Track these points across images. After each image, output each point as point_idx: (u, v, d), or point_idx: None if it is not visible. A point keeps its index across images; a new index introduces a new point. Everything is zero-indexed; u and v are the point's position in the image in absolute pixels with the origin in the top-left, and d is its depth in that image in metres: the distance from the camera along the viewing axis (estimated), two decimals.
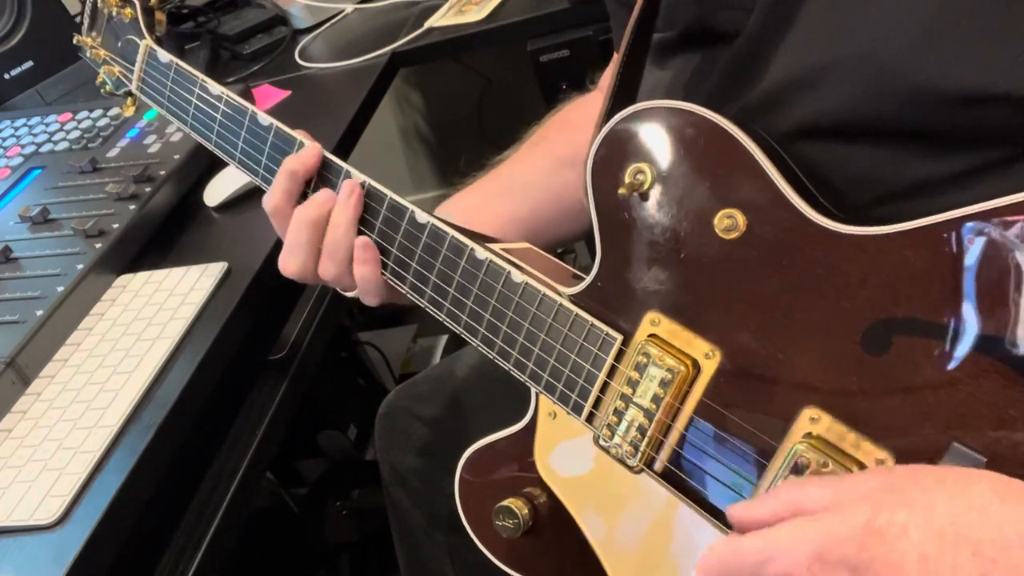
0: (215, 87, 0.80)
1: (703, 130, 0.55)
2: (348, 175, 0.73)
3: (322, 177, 0.74)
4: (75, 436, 0.78)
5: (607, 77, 0.90)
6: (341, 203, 0.72)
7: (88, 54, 0.94)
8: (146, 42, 0.86)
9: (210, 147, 0.82)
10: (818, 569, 0.43)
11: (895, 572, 0.41)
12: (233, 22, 1.59)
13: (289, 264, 0.74)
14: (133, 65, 0.88)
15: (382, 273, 0.73)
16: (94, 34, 0.92)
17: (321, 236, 0.73)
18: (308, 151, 0.74)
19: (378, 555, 1.50)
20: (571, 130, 0.89)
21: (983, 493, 0.41)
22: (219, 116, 0.80)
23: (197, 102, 0.82)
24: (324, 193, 0.73)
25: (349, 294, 0.78)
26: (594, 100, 0.92)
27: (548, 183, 0.87)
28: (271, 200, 0.75)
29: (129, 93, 0.91)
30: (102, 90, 0.94)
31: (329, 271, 0.74)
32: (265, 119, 0.77)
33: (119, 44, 0.89)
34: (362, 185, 0.72)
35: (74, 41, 0.94)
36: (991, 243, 0.46)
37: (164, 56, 0.84)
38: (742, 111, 0.58)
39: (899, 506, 0.42)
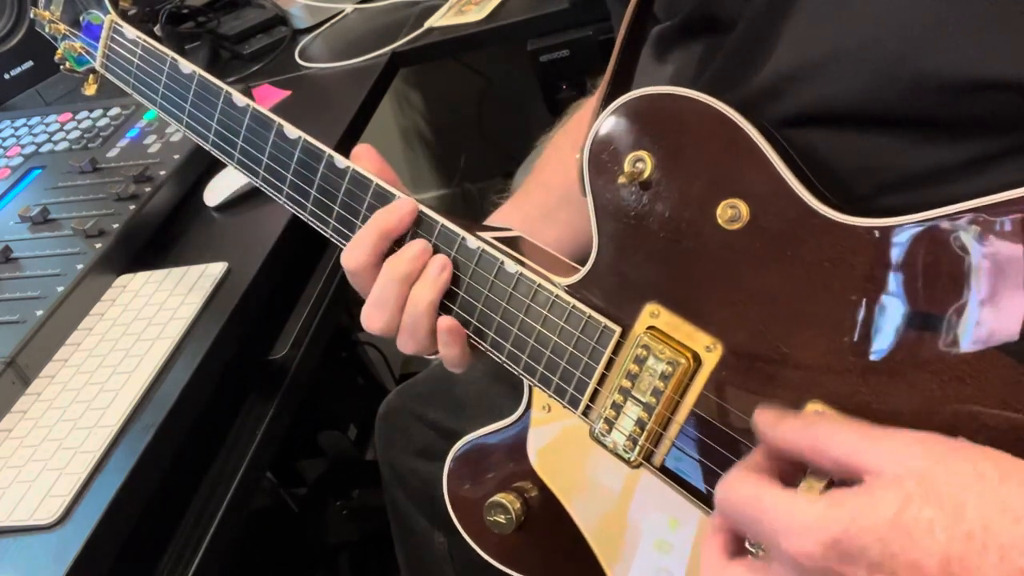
0: (186, 65, 0.76)
1: (705, 117, 0.54)
2: (445, 232, 0.66)
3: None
4: (75, 436, 0.77)
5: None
6: (430, 280, 0.66)
7: (46, 28, 0.89)
8: (110, 17, 0.83)
9: (182, 128, 0.79)
10: (834, 556, 0.42)
11: (914, 570, 0.40)
12: (233, 22, 1.59)
13: (375, 321, 0.68)
14: (96, 41, 0.84)
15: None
16: (53, 7, 0.88)
17: (407, 294, 0.67)
18: (404, 207, 0.67)
19: (378, 555, 1.50)
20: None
21: (1015, 493, 0.40)
22: (191, 96, 0.76)
23: (167, 80, 0.78)
24: (419, 245, 0.66)
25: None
26: None
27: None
28: (357, 258, 0.67)
29: (92, 71, 0.87)
30: (62, 67, 0.90)
31: (409, 348, 0.69)
32: (240, 100, 0.73)
33: (81, 18, 0.86)
34: (346, 170, 0.68)
35: (30, 15, 0.90)
36: (997, 236, 0.46)
37: (130, 32, 0.81)
38: (743, 100, 0.57)
39: (928, 501, 0.40)
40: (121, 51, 0.82)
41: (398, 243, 0.68)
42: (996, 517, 0.39)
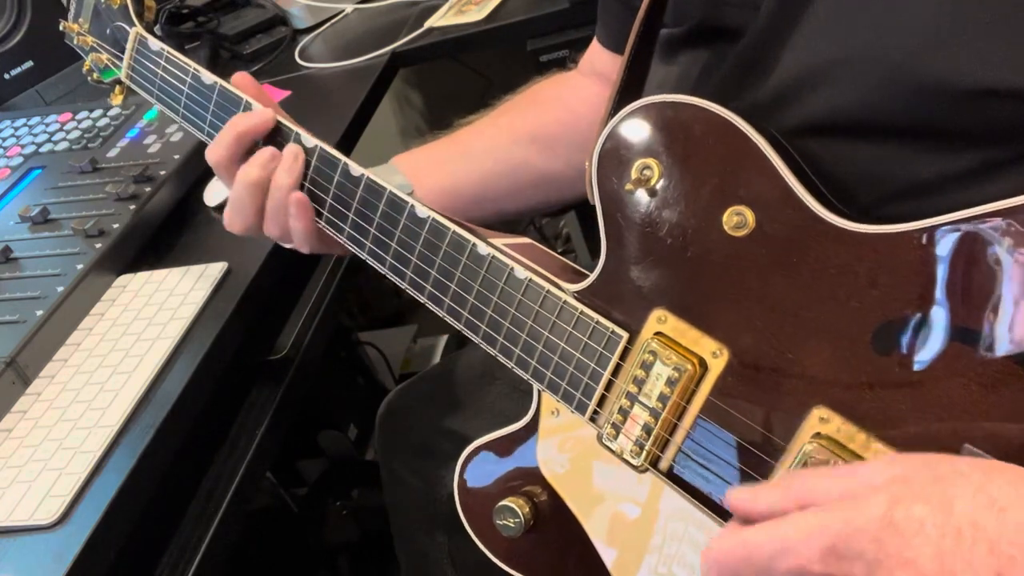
0: (208, 76, 0.79)
1: (712, 125, 0.55)
2: (298, 139, 0.73)
3: (272, 138, 0.75)
4: (75, 436, 0.77)
5: (587, 59, 0.90)
6: (285, 167, 0.73)
7: (75, 41, 0.92)
8: (136, 29, 0.84)
9: (203, 137, 0.81)
10: (832, 562, 0.42)
11: (909, 568, 0.40)
12: (233, 22, 1.59)
13: (235, 223, 0.77)
14: (122, 53, 0.86)
15: (383, 271, 0.73)
16: (81, 20, 0.90)
17: (264, 197, 0.74)
18: (261, 115, 0.74)
19: (378, 555, 1.50)
20: (539, 106, 0.90)
21: (1003, 488, 0.41)
22: (212, 106, 0.79)
23: (189, 91, 0.80)
24: (268, 152, 0.74)
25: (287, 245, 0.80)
26: (567, 79, 0.93)
27: (505, 156, 0.88)
28: (213, 154, 0.75)
29: (118, 82, 0.89)
30: (89, 78, 0.92)
31: (273, 232, 0.76)
32: (259, 108, 0.76)
33: (107, 31, 0.88)
34: (360, 178, 0.71)
35: (60, 27, 0.92)
36: (999, 242, 0.46)
37: (155, 44, 0.83)
38: (750, 108, 0.57)
39: (916, 500, 0.41)
40: (146, 62, 0.84)
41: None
42: (983, 511, 0.40)
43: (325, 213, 0.75)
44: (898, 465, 0.44)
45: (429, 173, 0.85)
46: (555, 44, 1.41)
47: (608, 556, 0.66)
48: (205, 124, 0.80)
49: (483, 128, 0.91)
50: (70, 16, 0.92)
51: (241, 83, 0.79)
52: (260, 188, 0.74)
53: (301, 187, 0.74)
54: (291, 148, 0.73)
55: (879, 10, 0.54)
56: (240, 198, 0.75)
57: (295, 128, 0.74)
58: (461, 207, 0.84)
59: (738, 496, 0.48)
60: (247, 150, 0.75)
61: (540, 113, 0.89)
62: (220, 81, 0.79)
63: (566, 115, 0.89)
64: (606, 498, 0.65)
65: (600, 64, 0.88)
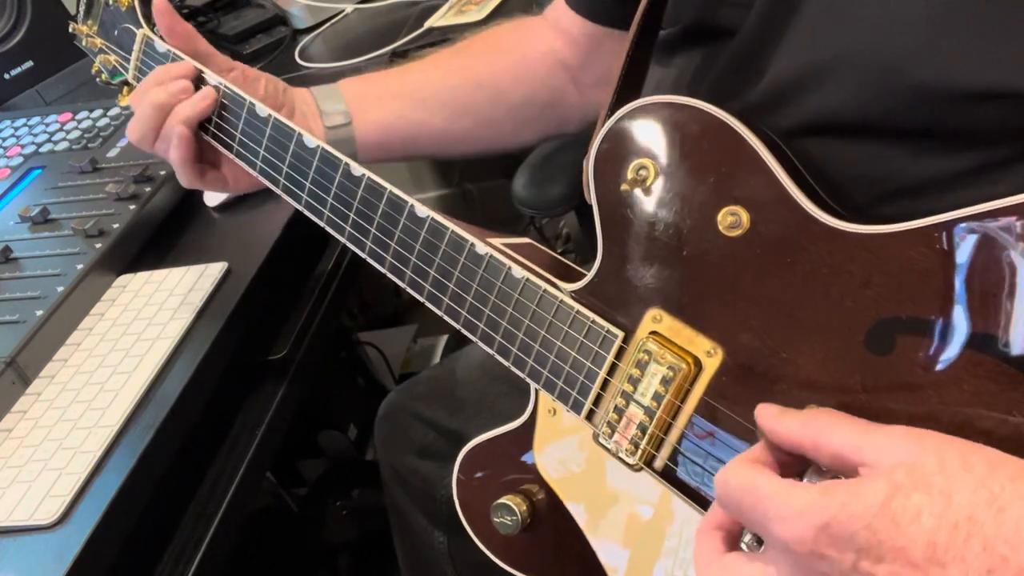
0: (213, 77, 0.80)
1: (707, 126, 0.55)
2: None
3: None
4: (75, 436, 0.78)
5: (553, 14, 0.90)
6: (195, 100, 0.79)
7: (84, 43, 0.93)
8: (143, 31, 0.85)
9: (207, 138, 0.82)
10: (824, 540, 0.42)
11: (900, 555, 0.41)
12: (233, 22, 1.59)
13: (133, 132, 0.81)
14: (130, 55, 0.87)
15: (382, 271, 0.73)
16: (90, 22, 0.91)
17: (163, 121, 0.79)
18: (181, 68, 0.80)
19: (378, 555, 1.50)
20: (495, 53, 0.91)
21: (1004, 485, 0.41)
22: (217, 107, 0.80)
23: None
24: (181, 83, 0.79)
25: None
26: (530, 25, 0.93)
27: (452, 99, 0.89)
28: (133, 98, 0.82)
29: (125, 83, 0.90)
30: (98, 79, 0.93)
31: (160, 150, 0.82)
32: (263, 110, 0.76)
33: (115, 33, 0.88)
34: (361, 178, 0.71)
35: (69, 29, 0.93)
36: (995, 243, 0.46)
37: (161, 46, 0.84)
38: (745, 108, 0.58)
39: (916, 488, 0.41)
40: (153, 64, 0.84)
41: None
42: (982, 507, 0.40)
43: (235, 147, 0.80)
44: (912, 444, 0.44)
45: (370, 106, 0.87)
46: None
47: (603, 554, 0.66)
48: (210, 125, 0.81)
49: (436, 65, 0.91)
50: (79, 18, 0.93)
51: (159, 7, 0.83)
52: (162, 112, 0.79)
53: (208, 124, 0.80)
54: (205, 89, 0.79)
55: (872, 10, 0.54)
56: (144, 113, 0.80)
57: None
58: (398, 145, 0.88)
59: (765, 412, 0.50)
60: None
61: (494, 59, 0.89)
62: (224, 81, 0.79)
63: (521, 70, 0.89)
64: (602, 497, 0.65)
65: (566, 22, 0.88)
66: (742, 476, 0.48)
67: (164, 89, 0.79)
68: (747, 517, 0.47)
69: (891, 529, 0.41)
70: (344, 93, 0.87)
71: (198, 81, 0.80)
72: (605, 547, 0.66)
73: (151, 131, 0.80)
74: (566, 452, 0.67)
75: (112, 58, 0.90)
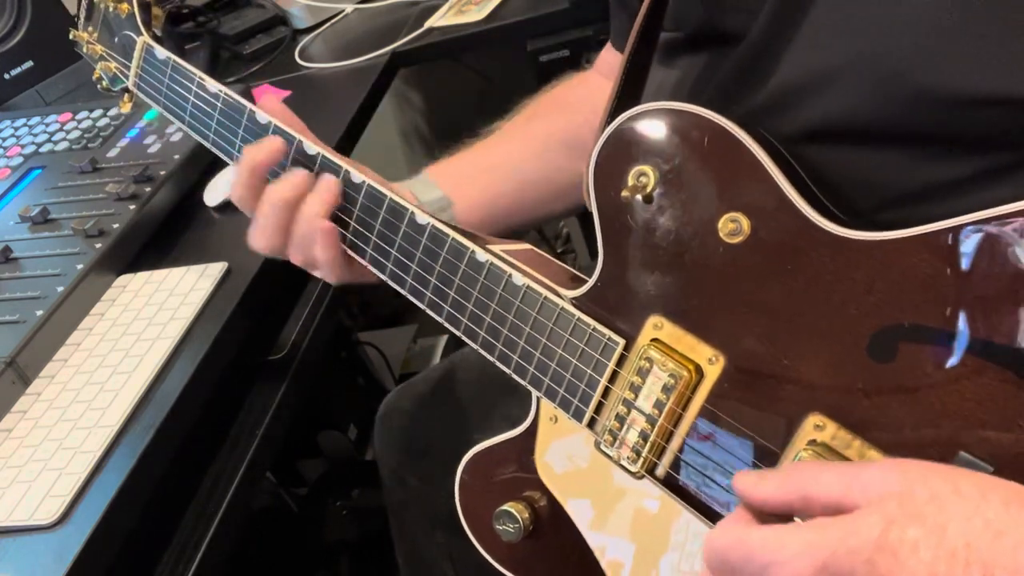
0: (213, 84, 0.80)
1: (707, 132, 0.55)
2: (330, 165, 0.71)
3: (298, 160, 0.74)
4: (75, 436, 0.77)
5: (603, 60, 0.90)
6: (317, 193, 0.72)
7: (84, 49, 0.93)
8: (143, 38, 0.85)
9: (208, 145, 0.82)
10: None
11: None
12: (233, 22, 1.59)
13: (258, 242, 0.75)
14: (130, 61, 0.87)
15: (383, 279, 0.73)
16: (91, 29, 0.91)
17: (291, 217, 0.72)
18: (269, 145, 0.73)
19: (378, 555, 1.50)
20: (566, 111, 0.90)
21: (998, 511, 0.40)
22: (216, 114, 0.79)
23: (195, 99, 0.81)
24: (300, 175, 0.72)
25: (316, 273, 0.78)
26: (588, 80, 0.93)
27: (539, 164, 0.88)
28: (234, 193, 0.74)
29: (126, 90, 0.90)
30: (99, 86, 0.93)
31: (297, 258, 0.75)
32: (263, 117, 0.76)
33: (116, 40, 0.88)
34: (361, 184, 0.72)
35: (70, 36, 0.93)
36: (997, 249, 0.46)
37: (161, 53, 0.83)
38: (748, 113, 0.58)
39: (911, 521, 0.41)
40: (153, 71, 0.84)
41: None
42: (978, 534, 0.40)
43: (349, 236, 0.74)
44: (897, 475, 0.43)
45: (467, 185, 0.84)
46: (555, 44, 1.41)
47: (627, 550, 0.65)
48: (210, 132, 0.81)
49: (512, 137, 0.90)
50: (80, 25, 0.93)
51: (268, 107, 0.77)
52: (288, 208, 0.72)
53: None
54: (329, 179, 0.72)
55: (877, 16, 0.54)
56: (265, 216, 0.72)
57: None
58: (502, 217, 0.85)
59: (743, 481, 0.48)
60: (264, 179, 0.74)
61: (569, 117, 0.89)
62: (224, 89, 0.79)
63: (594, 118, 0.89)
64: (604, 504, 0.65)
65: (614, 66, 0.88)
66: (728, 533, 0.47)
67: (286, 185, 0.72)
68: (744, 572, 0.46)
69: (892, 563, 0.41)
70: (436, 180, 0.85)
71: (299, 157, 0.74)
72: (611, 541, 0.66)
73: (279, 233, 0.73)
74: (567, 460, 0.67)
75: (113, 65, 0.90)
